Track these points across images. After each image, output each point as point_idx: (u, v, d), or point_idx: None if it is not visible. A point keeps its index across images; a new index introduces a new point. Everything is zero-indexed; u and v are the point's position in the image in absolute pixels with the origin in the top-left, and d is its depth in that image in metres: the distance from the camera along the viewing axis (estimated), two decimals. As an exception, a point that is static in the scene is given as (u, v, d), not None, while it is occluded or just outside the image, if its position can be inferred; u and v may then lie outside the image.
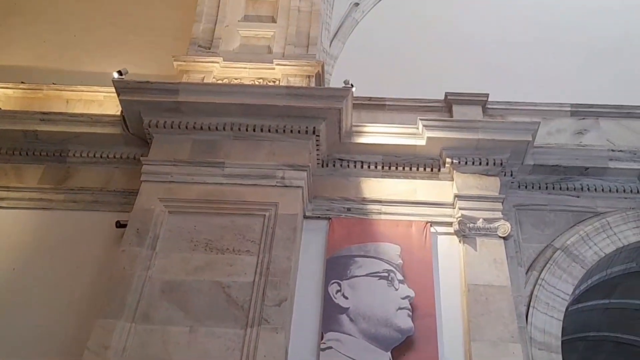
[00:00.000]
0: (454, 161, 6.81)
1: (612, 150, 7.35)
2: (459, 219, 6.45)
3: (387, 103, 7.67)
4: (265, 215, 5.89)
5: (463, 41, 9.24)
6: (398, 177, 6.88)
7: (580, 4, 9.77)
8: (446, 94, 7.63)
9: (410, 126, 6.90)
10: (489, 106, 7.70)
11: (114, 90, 6.53)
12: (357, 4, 9.45)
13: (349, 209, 6.61)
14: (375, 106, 7.68)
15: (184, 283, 5.45)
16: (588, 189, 7.28)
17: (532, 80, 8.51)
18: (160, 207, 5.94)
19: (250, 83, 7.06)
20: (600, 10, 9.68)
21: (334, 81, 8.25)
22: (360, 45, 9.20)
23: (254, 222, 5.85)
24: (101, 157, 6.89)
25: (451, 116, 7.47)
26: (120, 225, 6.14)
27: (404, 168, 6.89)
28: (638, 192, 7.32)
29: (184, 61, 7.40)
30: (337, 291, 5.86)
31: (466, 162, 6.84)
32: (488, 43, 9.21)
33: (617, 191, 7.31)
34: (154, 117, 6.45)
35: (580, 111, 7.88)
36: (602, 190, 7.29)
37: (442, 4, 9.70)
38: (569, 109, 7.86)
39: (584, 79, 8.64)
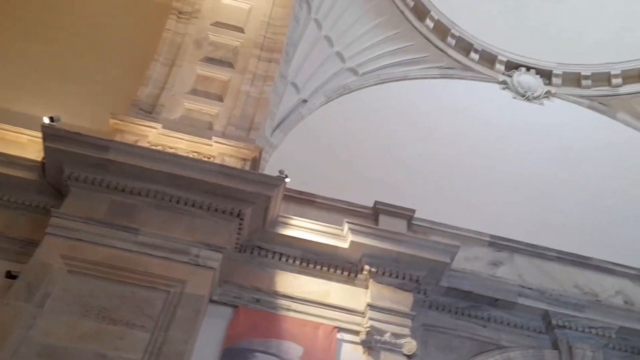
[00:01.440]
0: (372, 269, 6.74)
1: (522, 287, 7.50)
2: (367, 329, 6.29)
3: (317, 200, 7.63)
4: (169, 291, 5.54)
5: (398, 156, 9.52)
6: (314, 275, 6.72)
7: (519, 150, 10.32)
8: (375, 203, 7.67)
9: (336, 227, 6.84)
10: (414, 222, 7.78)
11: (40, 134, 6.18)
12: (305, 101, 9.64)
13: (258, 300, 6.34)
14: (305, 201, 7.61)
15: (66, 350, 4.97)
16: (495, 321, 7.34)
17: (456, 204, 8.71)
18: (60, 263, 5.51)
19: (184, 155, 6.87)
20: (532, 153, 10.25)
21: (269, 169, 8.21)
22: (301, 139, 9.29)
23: (156, 296, 5.48)
24: (9, 200, 6.41)
25: (377, 225, 7.46)
26: (10, 275, 5.62)
27: (322, 267, 6.76)
28: (541, 332, 7.41)
29: (121, 120, 7.18)
30: (230, 385, 5.46)
31: (384, 273, 6.78)
32: (422, 162, 9.50)
33: (521, 327, 7.40)
34: (77, 170, 6.13)
35: (497, 243, 8.07)
36: (508, 324, 7.35)
37: (385, 118, 10.02)
38: (487, 239, 8.03)
39: (505, 213, 8.92)
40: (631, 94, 11.55)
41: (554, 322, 7.49)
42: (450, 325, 7.17)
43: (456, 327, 7.19)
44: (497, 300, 7.34)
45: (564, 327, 7.50)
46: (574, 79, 11.75)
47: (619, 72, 11.61)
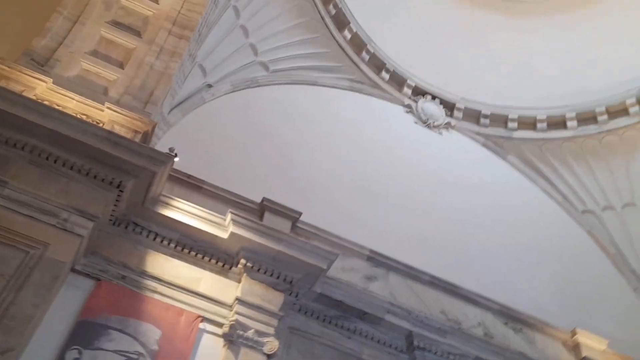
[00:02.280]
0: (248, 264, 6.81)
1: (392, 305, 7.83)
2: (232, 322, 6.34)
3: (205, 187, 7.62)
4: (29, 252, 5.34)
5: (293, 158, 9.68)
6: (188, 261, 6.69)
7: (411, 173, 10.77)
8: (263, 199, 7.77)
9: (219, 216, 6.84)
10: (298, 224, 7.93)
11: None
12: (210, 86, 9.59)
13: (124, 277, 6.23)
14: (192, 185, 7.58)
15: None
16: (360, 334, 7.61)
17: (340, 215, 8.98)
18: None
19: (71, 114, 6.63)
20: (423, 178, 10.75)
21: (160, 147, 8.07)
22: (199, 123, 9.23)
23: (13, 255, 5.28)
24: None
25: (261, 221, 7.54)
26: None
27: (197, 254, 6.74)
28: (402, 351, 7.76)
29: (9, 67, 6.83)
30: (75, 359, 5.30)
31: (259, 269, 6.87)
32: (314, 169, 9.72)
33: (384, 344, 7.71)
34: (-53, 108, 5.75)
35: (376, 259, 8.40)
36: (372, 339, 7.65)
37: (287, 119, 10.17)
38: (367, 253, 8.34)
39: (387, 231, 9.30)
40: (523, 139, 12.40)
41: (415, 343, 7.86)
42: (316, 332, 7.36)
43: (322, 334, 7.39)
44: (365, 313, 7.63)
45: (424, 349, 7.89)
46: (474, 116, 12.48)
47: (515, 116, 12.47)
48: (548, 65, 12.91)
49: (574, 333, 8.98)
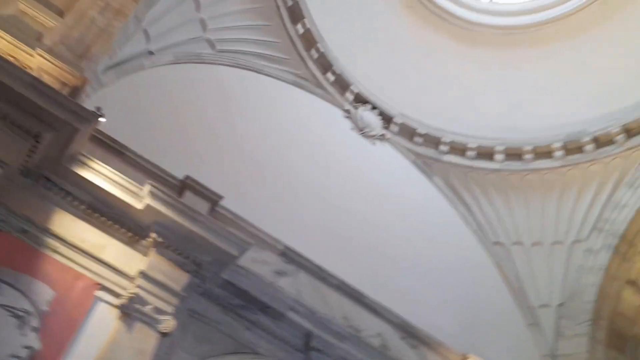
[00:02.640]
0: (159, 239, 6.75)
1: (296, 302, 7.91)
2: (131, 295, 6.26)
3: (128, 154, 7.48)
4: None
5: (221, 141, 9.59)
6: (96, 226, 6.57)
7: (338, 176, 10.90)
8: (186, 177, 7.69)
9: (136, 185, 6.71)
10: (218, 208, 7.90)
11: None
12: (151, 53, 9.38)
13: (25, 231, 6.04)
14: (115, 151, 7.43)
15: None
16: (260, 327, 7.71)
17: (261, 206, 8.99)
18: None
19: (-2, 53, 6.36)
20: (349, 184, 10.88)
21: (88, 105, 7.80)
22: (133, 90, 9.03)
23: None
24: None
25: (180, 198, 7.45)
26: None
27: (107, 220, 6.63)
28: (299, 349, 7.87)
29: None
30: (-42, 305, 5.10)
31: (169, 247, 6.82)
32: (241, 154, 9.65)
33: (282, 340, 7.83)
34: None
35: (288, 255, 8.48)
36: (271, 333, 7.73)
37: (224, 101, 10.09)
38: (281, 248, 8.41)
39: (304, 229, 9.38)
40: (451, 163, 12.77)
41: (313, 343, 8.00)
42: (216, 318, 7.36)
43: (221, 322, 7.40)
44: (268, 307, 7.69)
45: (321, 351, 8.04)
46: (409, 132, 12.75)
47: (448, 140, 12.82)
48: (490, 98, 13.36)
49: (465, 357, 9.34)
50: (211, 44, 10.44)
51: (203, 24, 10.27)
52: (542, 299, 11.71)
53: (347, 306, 8.94)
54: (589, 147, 12.36)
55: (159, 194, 6.83)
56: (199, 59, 10.06)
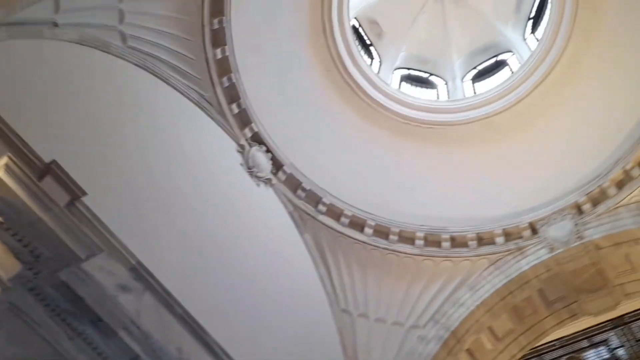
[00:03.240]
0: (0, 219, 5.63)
1: (132, 322, 7.08)
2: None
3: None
4: None
5: (102, 138, 8.56)
6: None
7: (210, 203, 10.17)
8: (52, 161, 6.70)
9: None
10: (77, 204, 6.93)
11: None
12: (56, 25, 8.22)
13: None
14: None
15: None
16: (85, 340, 6.93)
17: (124, 213, 8.02)
18: None
19: None
20: (219, 213, 10.18)
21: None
22: (21, 55, 7.86)
23: None
24: None
25: (39, 182, 6.34)
26: None
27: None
28: None
29: None
30: None
31: (9, 229, 5.91)
32: (120, 156, 8.70)
33: (104, 359, 6.78)
34: None
35: (139, 271, 7.67)
36: (95, 349, 6.91)
37: (114, 98, 9.10)
38: (133, 262, 7.53)
39: (162, 246, 8.50)
40: (325, 225, 12.45)
41: (138, 368, 7.06)
42: (38, 320, 6.32)
43: (43, 324, 6.37)
44: (101, 321, 6.74)
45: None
46: (294, 184, 12.38)
47: (327, 202, 12.58)
48: (377, 174, 13.42)
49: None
50: (123, 37, 9.46)
51: (121, 14, 9.32)
52: (370, 373, 11.56)
53: (185, 339, 8.09)
54: (446, 244, 12.67)
55: (16, 170, 5.82)
56: (105, 48, 9.03)
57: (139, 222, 8.29)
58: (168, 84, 10.14)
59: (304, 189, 12.32)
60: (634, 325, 15.54)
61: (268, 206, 11.60)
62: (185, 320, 8.16)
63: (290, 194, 12.17)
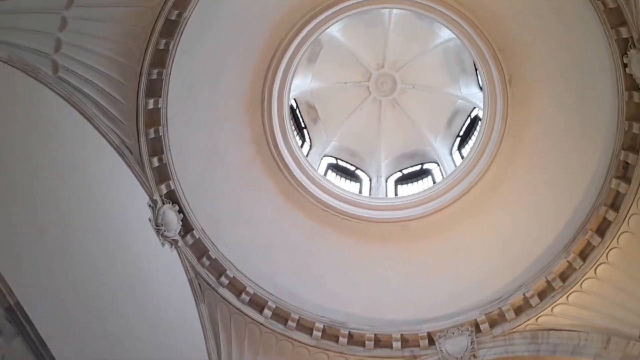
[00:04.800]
0: None
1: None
2: None
3: None
4: None
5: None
6: None
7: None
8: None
9: None
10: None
11: None
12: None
13: None
14: None
15: None
16: None
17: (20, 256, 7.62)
18: None
19: None
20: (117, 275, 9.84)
21: None
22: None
23: None
24: None
25: None
26: None
27: None
28: None
29: None
30: None
31: None
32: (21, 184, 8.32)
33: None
34: None
35: (15, 314, 7.24)
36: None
37: (29, 124, 8.77)
38: (12, 302, 7.09)
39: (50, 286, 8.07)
40: (225, 299, 12.32)
41: None
42: None
43: None
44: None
45: None
46: (199, 250, 12.27)
47: (231, 275, 12.54)
48: (288, 256, 13.62)
49: None
50: (55, 67, 9.26)
51: (58, 43, 9.17)
52: None
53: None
54: (343, 339, 12.77)
55: None
56: (33, 73, 8.79)
57: (24, 260, 7.86)
58: (91, 122, 9.94)
59: (209, 258, 12.21)
60: None
61: (169, 268, 11.33)
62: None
63: (194, 260, 12.00)
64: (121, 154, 10.57)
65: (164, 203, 11.41)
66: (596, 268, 11.82)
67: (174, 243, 11.46)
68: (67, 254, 8.83)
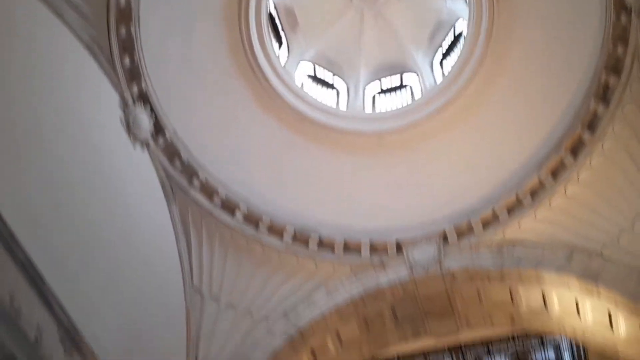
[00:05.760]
0: None
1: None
2: None
3: None
4: None
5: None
6: None
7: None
8: None
9: None
10: None
11: None
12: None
13: None
14: None
15: None
16: None
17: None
18: None
19: None
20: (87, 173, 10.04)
21: None
22: None
23: None
24: None
25: None
26: None
27: None
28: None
29: None
30: None
31: None
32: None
33: None
34: None
35: None
36: None
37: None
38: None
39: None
40: (197, 201, 12.67)
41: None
42: None
43: None
44: None
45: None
46: (172, 153, 12.44)
47: (203, 178, 12.75)
48: (258, 160, 13.94)
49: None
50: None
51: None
52: (208, 356, 11.88)
53: (20, 286, 7.91)
54: (313, 245, 13.23)
55: None
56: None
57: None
58: (60, 18, 9.76)
59: (181, 160, 12.38)
60: (468, 353, 17.37)
61: (140, 169, 11.48)
62: (26, 267, 7.98)
63: (166, 162, 12.17)
64: (91, 51, 10.47)
65: (135, 103, 11.41)
66: (566, 186, 12.29)
67: (145, 144, 11.57)
68: (36, 153, 8.91)
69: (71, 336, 8.53)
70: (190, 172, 12.57)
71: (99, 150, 10.44)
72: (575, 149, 12.24)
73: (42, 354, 7.86)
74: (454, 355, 17.38)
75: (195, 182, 12.60)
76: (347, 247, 13.31)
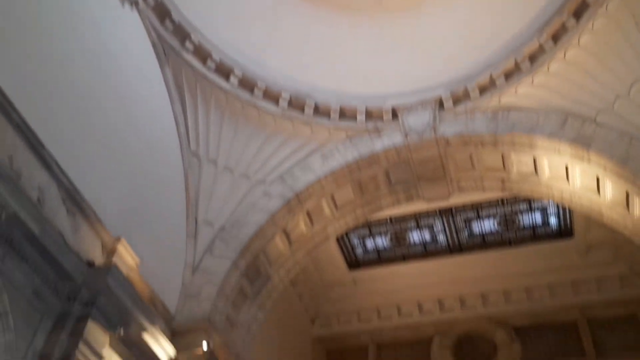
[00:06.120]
0: None
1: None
2: None
3: None
4: None
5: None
6: None
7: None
8: None
9: None
10: None
11: None
12: None
13: None
14: None
15: None
16: None
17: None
18: None
19: None
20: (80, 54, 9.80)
21: None
22: None
23: None
24: None
25: None
26: None
27: None
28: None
29: None
30: None
31: None
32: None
33: None
34: None
35: None
36: None
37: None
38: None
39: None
40: (191, 64, 12.51)
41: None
42: None
43: None
44: None
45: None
46: (163, 13, 12.05)
47: (196, 40, 12.48)
48: (257, 23, 13.53)
49: (117, 239, 9.30)
50: None
51: None
52: (207, 217, 12.37)
53: (19, 148, 8.08)
54: (309, 110, 13.24)
55: None
56: None
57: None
58: None
59: (172, 21, 12.06)
60: (458, 216, 18.17)
61: (130, 30, 11.19)
62: (23, 130, 8.10)
63: (156, 22, 11.85)
64: None
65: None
66: (566, 51, 12.03)
67: (133, 2, 11.19)
68: (23, 21, 8.70)
69: (72, 197, 8.81)
70: (182, 33, 12.27)
71: (87, 12, 10.15)
72: (579, 11, 11.84)
73: (45, 214, 8.16)
74: (444, 218, 18.14)
75: (188, 45, 12.34)
76: (343, 113, 13.34)
